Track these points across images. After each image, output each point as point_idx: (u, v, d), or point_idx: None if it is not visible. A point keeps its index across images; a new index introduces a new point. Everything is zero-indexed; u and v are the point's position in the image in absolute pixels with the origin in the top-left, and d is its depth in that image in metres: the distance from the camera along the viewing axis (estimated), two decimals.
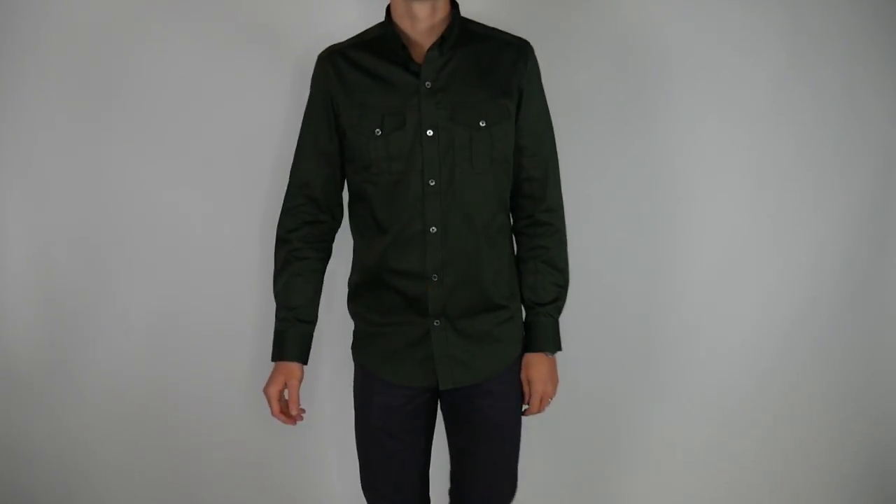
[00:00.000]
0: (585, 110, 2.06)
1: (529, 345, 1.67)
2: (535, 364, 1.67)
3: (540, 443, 2.02)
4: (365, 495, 1.76)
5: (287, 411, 1.64)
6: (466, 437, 1.69)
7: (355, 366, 1.72)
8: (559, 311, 1.69)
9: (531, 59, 1.62)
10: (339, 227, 1.72)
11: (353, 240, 1.68)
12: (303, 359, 1.66)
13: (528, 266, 1.67)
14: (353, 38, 1.65)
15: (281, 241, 1.67)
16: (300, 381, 1.65)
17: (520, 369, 1.69)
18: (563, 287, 1.69)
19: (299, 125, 1.75)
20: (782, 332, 2.23)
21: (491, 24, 1.66)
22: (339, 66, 1.59)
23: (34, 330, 2.14)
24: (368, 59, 1.58)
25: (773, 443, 2.29)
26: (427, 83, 1.54)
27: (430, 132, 1.53)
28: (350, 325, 1.75)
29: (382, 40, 1.59)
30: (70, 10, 2.00)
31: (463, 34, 1.59)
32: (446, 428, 1.73)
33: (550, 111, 1.69)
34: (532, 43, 1.69)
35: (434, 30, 1.57)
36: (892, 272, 2.23)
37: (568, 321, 2.08)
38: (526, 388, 1.68)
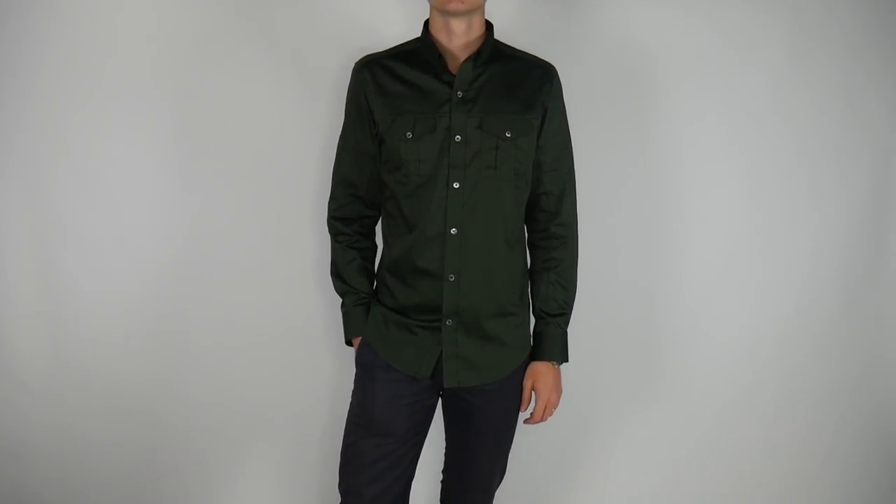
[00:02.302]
0: (584, 110, 2.05)
1: (538, 354, 1.74)
2: (542, 373, 1.73)
3: (535, 437, 2.03)
4: (342, 496, 1.75)
5: None
6: (464, 434, 1.75)
7: (356, 365, 1.75)
8: (567, 322, 1.76)
9: (556, 80, 1.71)
10: (375, 218, 1.80)
11: (383, 234, 1.75)
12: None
13: (541, 277, 1.75)
14: (389, 49, 1.73)
15: (341, 235, 1.77)
16: None
17: (523, 374, 1.74)
18: (571, 300, 1.77)
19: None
20: (780, 330, 2.26)
21: (490, 24, 1.71)
22: (375, 74, 1.67)
23: (34, 330, 2.13)
24: (404, 69, 1.66)
25: (771, 439, 2.33)
26: (459, 93, 1.62)
27: (458, 137, 1.60)
28: None
29: (419, 52, 1.67)
30: (71, 10, 2.00)
31: (495, 52, 1.68)
32: (445, 422, 1.80)
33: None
34: (531, 43, 1.77)
35: (469, 46, 1.65)
36: (890, 271, 2.26)
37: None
38: (527, 396, 1.74)
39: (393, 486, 1.70)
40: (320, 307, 2.11)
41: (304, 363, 2.18)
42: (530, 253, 1.78)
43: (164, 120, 2.06)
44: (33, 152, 2.06)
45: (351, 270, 1.75)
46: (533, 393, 1.74)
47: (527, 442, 2.02)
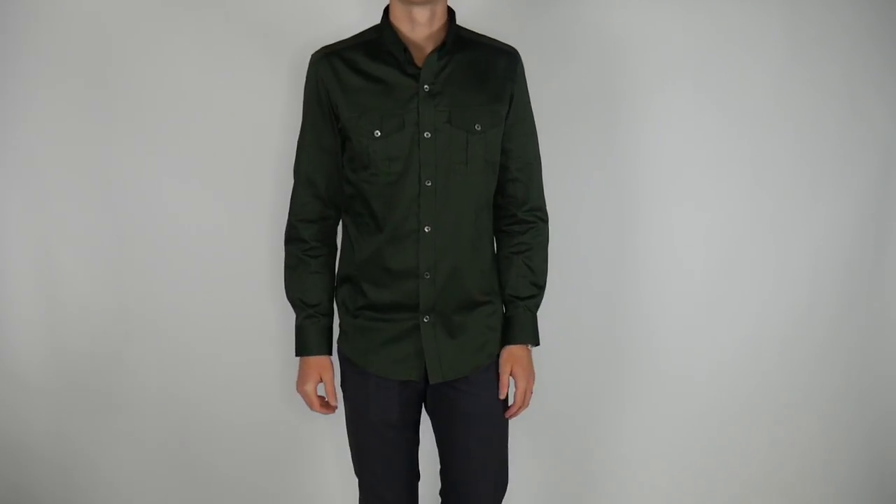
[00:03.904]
0: (582, 109, 2.06)
1: (511, 338, 1.70)
2: (519, 357, 1.70)
3: (538, 445, 2.02)
4: (361, 490, 1.78)
5: (326, 404, 1.72)
6: (454, 432, 1.70)
7: (341, 361, 1.74)
8: (537, 307, 1.73)
9: (520, 65, 1.68)
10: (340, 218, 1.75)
11: (345, 234, 1.70)
12: (329, 351, 1.72)
13: (509, 262, 1.71)
14: (347, 39, 1.66)
15: (293, 241, 1.70)
16: (332, 372, 1.71)
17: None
18: (541, 286, 1.73)
19: (299, 123, 1.72)
20: (781, 333, 2.25)
21: (484, 23, 1.71)
22: (335, 68, 1.60)
23: (34, 329, 2.14)
24: (365, 61, 1.60)
25: (773, 444, 2.31)
26: (425, 86, 1.58)
27: (427, 134, 1.57)
28: None
29: (380, 43, 1.61)
30: (71, 10, 2.01)
31: (458, 40, 1.63)
32: (434, 425, 1.75)
33: (546, 111, 1.75)
34: (528, 40, 1.77)
35: (433, 37, 1.60)
36: (892, 273, 2.23)
37: (568, 321, 2.09)
38: (505, 381, 1.70)
39: (405, 465, 1.72)
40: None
41: None
42: (497, 239, 1.74)
43: (164, 120, 2.07)
44: (33, 152, 2.07)
45: (306, 281, 1.68)
46: (511, 380, 1.70)
47: (526, 443, 2.01)
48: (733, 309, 2.22)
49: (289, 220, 1.71)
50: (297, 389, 1.71)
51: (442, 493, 1.80)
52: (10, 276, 2.11)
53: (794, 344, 2.25)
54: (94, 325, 2.14)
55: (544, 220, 1.74)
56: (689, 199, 2.17)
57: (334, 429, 2.03)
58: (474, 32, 1.68)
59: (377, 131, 1.57)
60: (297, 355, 1.72)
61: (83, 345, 2.15)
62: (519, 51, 1.69)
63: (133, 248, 2.11)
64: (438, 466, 1.78)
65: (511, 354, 1.70)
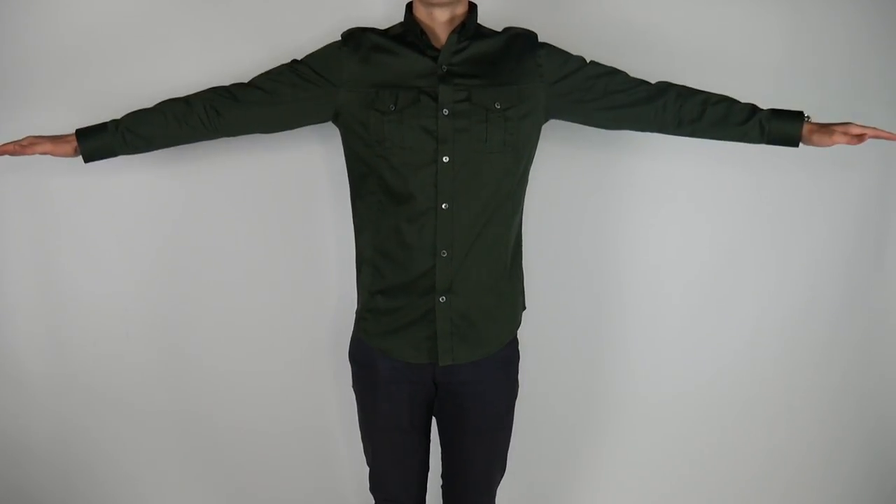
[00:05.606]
0: None
1: (795, 124, 1.73)
2: (821, 126, 1.72)
3: (535, 436, 2.02)
4: (373, 495, 1.81)
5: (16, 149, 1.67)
6: (459, 425, 1.72)
7: (352, 361, 1.75)
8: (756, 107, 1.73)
9: (541, 43, 1.71)
10: (209, 129, 1.71)
11: (359, 219, 1.71)
12: (87, 156, 1.70)
13: (704, 117, 1.73)
14: (376, 29, 1.71)
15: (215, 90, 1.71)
16: (53, 153, 1.69)
17: (513, 351, 1.75)
18: (729, 98, 1.74)
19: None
20: (782, 334, 2.24)
21: (499, 17, 1.75)
22: (361, 44, 1.66)
23: (34, 330, 2.13)
24: (389, 44, 1.66)
25: (773, 445, 2.31)
26: (444, 66, 1.61)
27: (445, 111, 1.59)
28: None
29: (403, 34, 1.67)
30: (69, 8, 2.00)
31: (479, 30, 1.70)
32: (437, 420, 1.77)
33: None
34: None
35: (452, 21, 1.65)
36: (891, 273, 2.23)
37: (566, 320, 2.09)
38: (844, 136, 1.72)
39: (416, 467, 1.75)
40: (327, 308, 2.11)
41: (309, 364, 2.18)
42: (678, 129, 1.75)
43: None
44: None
45: (156, 109, 1.69)
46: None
47: (527, 441, 2.01)
48: (733, 309, 2.22)
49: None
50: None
51: (442, 476, 1.84)
52: (11, 276, 2.10)
53: (794, 344, 2.25)
54: (95, 327, 2.13)
55: (667, 82, 1.75)
56: (689, 199, 2.17)
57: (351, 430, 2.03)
58: (495, 30, 1.73)
59: (392, 105, 1.59)
60: (75, 131, 1.69)
61: (84, 346, 2.14)
62: None
63: (134, 248, 2.10)
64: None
65: (812, 131, 1.72)
